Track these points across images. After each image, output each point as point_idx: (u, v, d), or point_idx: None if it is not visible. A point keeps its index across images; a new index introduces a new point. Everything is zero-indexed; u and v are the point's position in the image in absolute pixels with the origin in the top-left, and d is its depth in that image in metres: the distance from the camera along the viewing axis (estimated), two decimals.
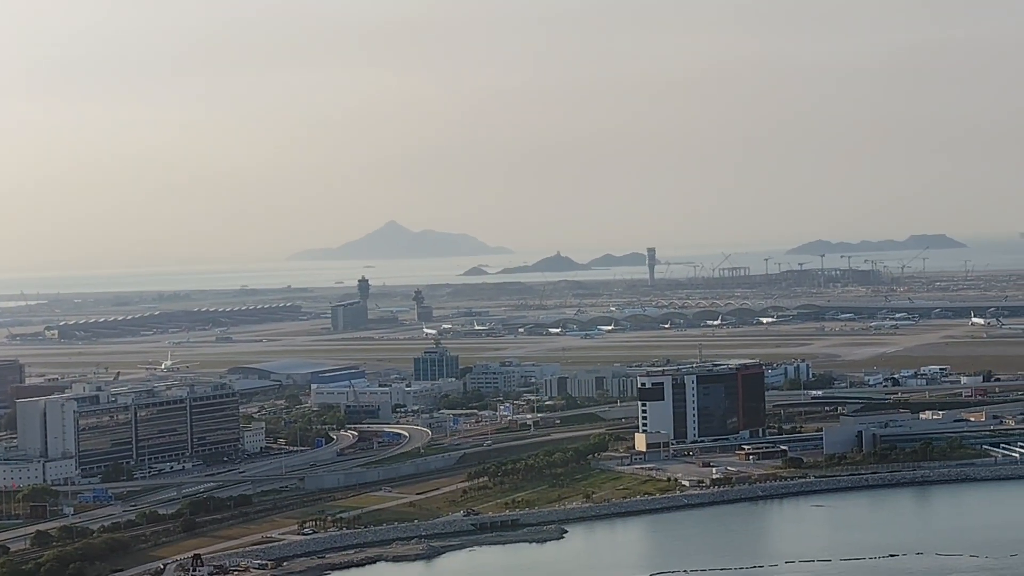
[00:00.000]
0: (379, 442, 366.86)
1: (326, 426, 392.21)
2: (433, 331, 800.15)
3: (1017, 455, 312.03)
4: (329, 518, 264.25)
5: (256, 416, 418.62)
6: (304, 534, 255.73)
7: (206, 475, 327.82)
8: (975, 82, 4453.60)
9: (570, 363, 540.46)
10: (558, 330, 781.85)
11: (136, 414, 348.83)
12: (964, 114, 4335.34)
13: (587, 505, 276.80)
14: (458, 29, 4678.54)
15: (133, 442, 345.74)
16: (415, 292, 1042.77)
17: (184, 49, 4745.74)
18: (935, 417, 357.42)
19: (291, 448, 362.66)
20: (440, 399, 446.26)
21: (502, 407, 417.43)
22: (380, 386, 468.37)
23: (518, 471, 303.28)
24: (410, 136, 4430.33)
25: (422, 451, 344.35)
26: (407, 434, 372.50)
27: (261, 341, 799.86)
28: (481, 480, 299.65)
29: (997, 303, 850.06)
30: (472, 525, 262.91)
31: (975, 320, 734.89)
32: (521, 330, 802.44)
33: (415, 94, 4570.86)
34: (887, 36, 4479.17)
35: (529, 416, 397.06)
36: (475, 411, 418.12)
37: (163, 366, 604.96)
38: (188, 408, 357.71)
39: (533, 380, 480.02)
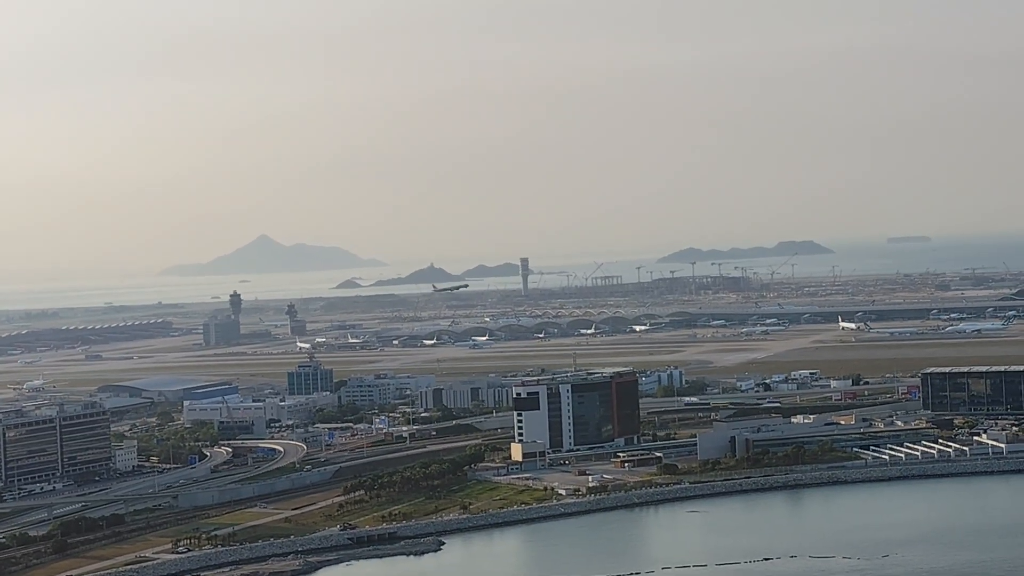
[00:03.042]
0: (253, 458, 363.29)
1: (199, 443, 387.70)
2: (307, 345, 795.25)
3: (887, 457, 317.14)
4: (204, 536, 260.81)
5: (128, 434, 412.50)
6: (178, 553, 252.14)
7: (77, 495, 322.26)
8: (842, 90, 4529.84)
9: (445, 374, 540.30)
10: (432, 341, 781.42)
11: (4, 435, 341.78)
12: (831, 121, 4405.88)
13: (464, 516, 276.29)
14: (330, 41, 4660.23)
15: (1, 463, 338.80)
16: (288, 306, 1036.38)
17: (46, 60, 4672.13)
18: (806, 421, 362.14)
19: (164, 466, 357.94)
20: (315, 413, 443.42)
21: (377, 420, 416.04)
22: (254, 401, 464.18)
23: (394, 484, 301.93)
24: (280, 149, 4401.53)
25: (297, 466, 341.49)
26: (282, 449, 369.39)
27: (132, 358, 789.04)
28: (357, 494, 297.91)
29: (864, 307, 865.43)
30: (349, 539, 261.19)
31: (843, 324, 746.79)
32: (395, 342, 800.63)
33: (284, 107, 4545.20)
34: (758, 45, 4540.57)
35: (405, 428, 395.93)
36: (350, 424, 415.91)
37: (29, 386, 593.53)
38: (58, 428, 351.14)
39: (408, 392, 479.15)
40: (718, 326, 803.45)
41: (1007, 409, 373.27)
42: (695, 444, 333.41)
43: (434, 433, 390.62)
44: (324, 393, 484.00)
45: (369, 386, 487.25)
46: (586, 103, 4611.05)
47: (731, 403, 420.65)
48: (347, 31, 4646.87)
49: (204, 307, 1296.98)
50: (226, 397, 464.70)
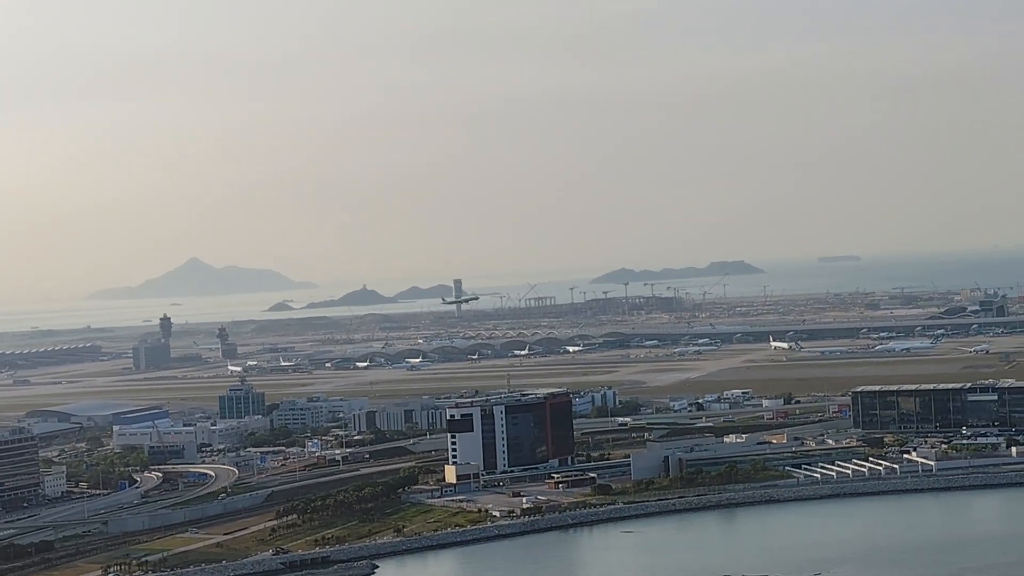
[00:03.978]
0: (184, 482, 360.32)
1: (129, 468, 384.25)
2: (238, 368, 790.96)
3: (818, 476, 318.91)
4: (134, 562, 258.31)
5: (56, 460, 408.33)
6: None
7: (5, 522, 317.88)
8: (774, 112, 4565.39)
9: (378, 397, 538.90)
10: (365, 364, 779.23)
11: None
12: (763, 143, 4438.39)
13: (398, 539, 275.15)
14: (261, 65, 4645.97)
15: None
16: (219, 329, 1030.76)
17: None
18: (739, 440, 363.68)
19: (93, 491, 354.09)
20: (246, 437, 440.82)
21: (310, 443, 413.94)
22: (184, 426, 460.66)
23: (327, 507, 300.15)
24: (210, 173, 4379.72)
25: (229, 490, 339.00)
26: (213, 474, 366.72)
27: (60, 383, 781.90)
28: (290, 518, 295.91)
29: (795, 327, 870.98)
30: (281, 564, 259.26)
31: (775, 344, 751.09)
32: (328, 365, 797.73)
33: (215, 131, 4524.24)
34: (688, 67, 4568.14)
35: (338, 451, 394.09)
36: (283, 448, 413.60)
37: None
38: None
39: (341, 415, 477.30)
40: (651, 346, 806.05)
41: (936, 427, 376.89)
42: (629, 464, 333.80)
43: (367, 456, 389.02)
44: (256, 417, 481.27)
45: (301, 409, 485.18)
46: (517, 125, 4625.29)
47: (664, 423, 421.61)
48: (279, 56, 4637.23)
49: (134, 331, 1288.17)
50: (156, 422, 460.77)
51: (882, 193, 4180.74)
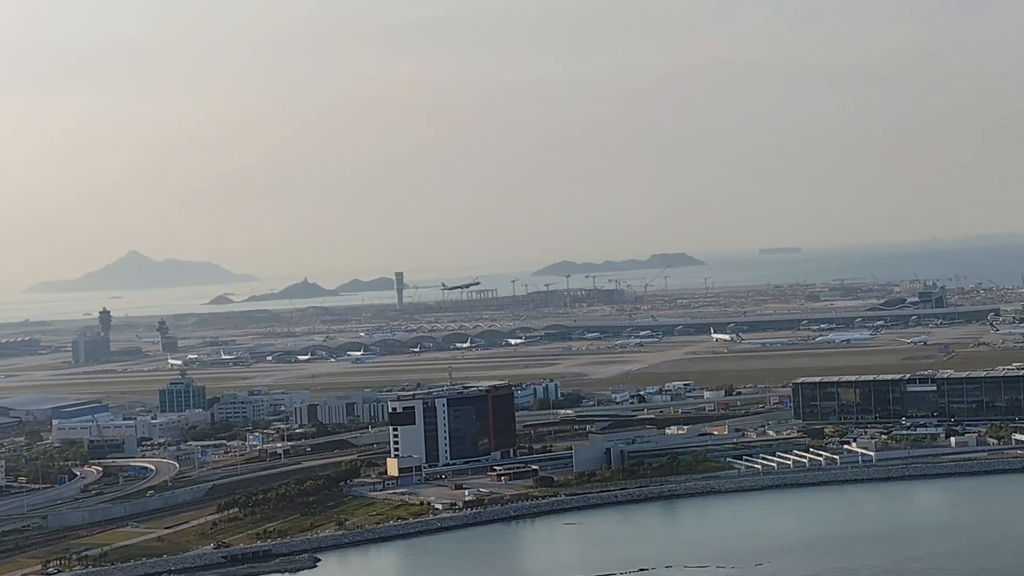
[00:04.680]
0: (125, 477, 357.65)
1: (69, 462, 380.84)
2: (178, 362, 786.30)
3: (759, 467, 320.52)
4: (74, 556, 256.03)
5: None
6: (48, 574, 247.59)
7: None
8: (711, 103, 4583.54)
9: (320, 390, 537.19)
10: (307, 357, 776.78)
11: None
12: (703, 135, 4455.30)
13: (340, 532, 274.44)
14: (197, 52, 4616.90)
15: None
16: (159, 323, 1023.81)
17: None
18: (680, 432, 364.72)
19: (33, 486, 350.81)
20: (187, 431, 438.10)
21: (251, 437, 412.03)
22: (124, 419, 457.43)
23: (269, 501, 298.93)
24: (150, 163, 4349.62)
25: (170, 484, 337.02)
26: (154, 467, 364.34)
27: None
28: (231, 512, 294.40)
29: (736, 319, 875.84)
30: (223, 558, 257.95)
31: (716, 336, 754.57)
32: (269, 358, 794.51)
33: (152, 119, 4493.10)
34: (628, 60, 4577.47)
35: (279, 445, 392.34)
36: (224, 442, 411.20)
37: None
38: None
39: (283, 408, 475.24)
40: (593, 339, 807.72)
41: (876, 418, 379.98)
42: (571, 456, 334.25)
43: (309, 449, 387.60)
44: (197, 410, 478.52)
45: (243, 402, 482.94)
46: (459, 118, 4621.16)
47: (606, 415, 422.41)
48: (218, 51, 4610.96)
49: (73, 324, 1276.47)
50: (96, 415, 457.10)
51: (823, 185, 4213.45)
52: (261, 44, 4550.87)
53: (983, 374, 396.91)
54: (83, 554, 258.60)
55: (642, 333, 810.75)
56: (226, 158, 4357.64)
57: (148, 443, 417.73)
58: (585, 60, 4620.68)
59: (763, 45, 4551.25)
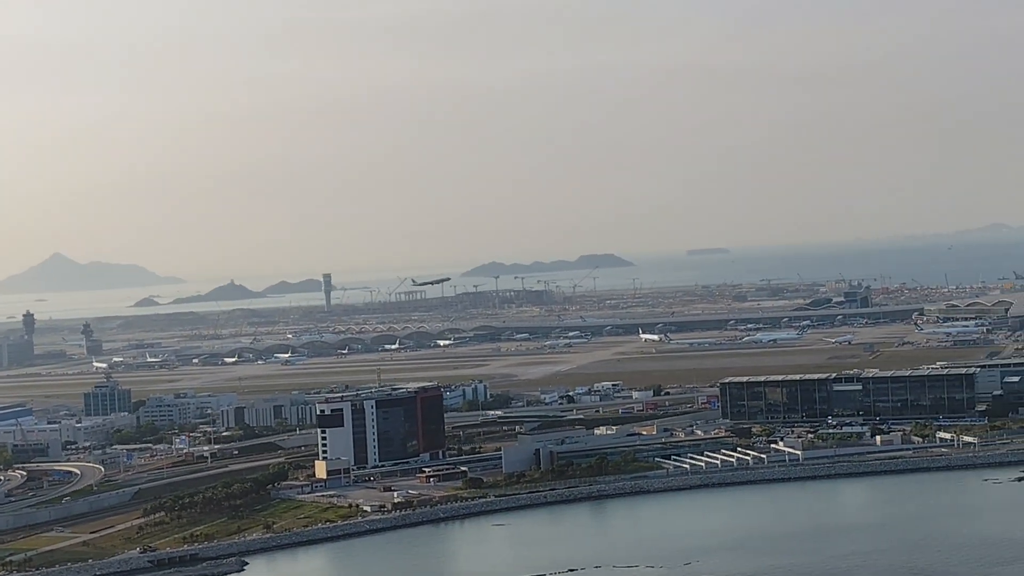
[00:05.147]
0: (49, 481, 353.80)
1: None
2: (103, 365, 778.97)
3: (687, 466, 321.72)
4: None
5: None
6: None
7: None
8: (639, 106, 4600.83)
9: (247, 392, 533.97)
10: (234, 359, 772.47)
11: None
12: (629, 137, 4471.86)
13: (268, 536, 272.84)
14: (120, 56, 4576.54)
15: None
16: (84, 325, 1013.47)
17: None
18: (609, 432, 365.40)
19: None
20: (113, 434, 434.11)
21: (178, 440, 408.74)
22: (49, 423, 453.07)
23: (196, 504, 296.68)
24: (74, 166, 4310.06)
25: (95, 488, 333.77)
26: (79, 472, 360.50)
27: None
28: (157, 515, 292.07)
29: (664, 319, 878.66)
30: (149, 562, 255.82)
31: (644, 336, 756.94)
32: (195, 361, 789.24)
33: (78, 123, 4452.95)
34: (560, 64, 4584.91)
35: (206, 448, 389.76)
36: (150, 445, 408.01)
37: None
38: None
39: (209, 411, 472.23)
40: (522, 339, 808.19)
41: (803, 417, 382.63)
42: (500, 458, 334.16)
43: (236, 452, 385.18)
44: (122, 413, 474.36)
45: (169, 405, 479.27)
46: (387, 118, 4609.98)
47: (535, 416, 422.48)
48: (142, 48, 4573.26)
49: None
50: (20, 419, 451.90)
51: (748, 186, 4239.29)
52: (186, 44, 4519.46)
53: (907, 373, 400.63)
54: (7, 559, 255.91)
55: (571, 334, 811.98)
56: (151, 159, 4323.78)
57: (73, 447, 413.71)
58: (515, 63, 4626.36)
59: (690, 48, 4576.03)
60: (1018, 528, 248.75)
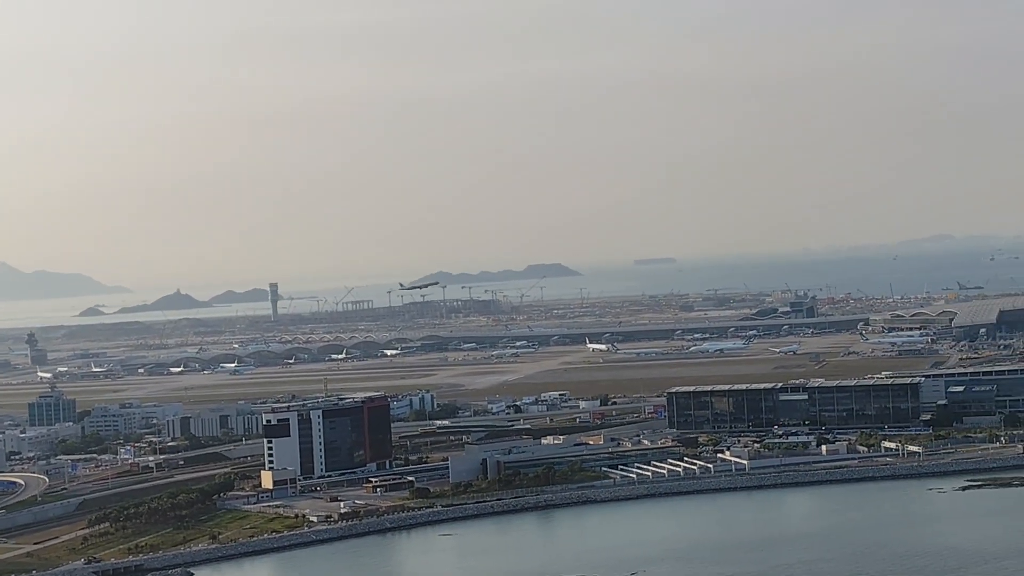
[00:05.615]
0: None
1: None
2: (48, 375, 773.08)
3: (634, 476, 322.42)
4: None
5: None
6: None
7: None
8: (585, 116, 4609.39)
9: (193, 402, 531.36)
10: (180, 369, 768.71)
11: None
12: (577, 146, 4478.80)
13: (214, 546, 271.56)
14: (73, 63, 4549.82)
15: None
16: (28, 335, 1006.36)
17: None
18: (556, 442, 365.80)
19: None
20: (57, 444, 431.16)
21: (123, 450, 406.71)
22: None
23: (141, 515, 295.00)
24: (18, 174, 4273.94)
25: (39, 499, 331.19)
26: (23, 482, 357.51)
27: None
28: (102, 526, 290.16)
29: (612, 329, 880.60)
30: (94, 573, 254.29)
31: (591, 346, 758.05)
32: (141, 370, 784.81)
33: (20, 131, 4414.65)
34: (504, 71, 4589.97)
35: (151, 458, 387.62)
36: (95, 455, 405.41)
37: None
38: None
39: (155, 421, 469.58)
40: (469, 349, 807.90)
41: (749, 426, 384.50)
42: (447, 467, 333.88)
43: (182, 463, 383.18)
44: (67, 424, 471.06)
45: (114, 416, 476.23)
46: (334, 128, 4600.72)
47: (482, 426, 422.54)
48: (90, 57, 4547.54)
49: None
50: None
51: (696, 196, 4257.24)
52: (136, 52, 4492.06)
53: (853, 383, 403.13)
54: None
55: (518, 343, 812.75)
56: (98, 169, 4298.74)
57: (17, 457, 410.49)
58: (462, 72, 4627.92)
59: (636, 58, 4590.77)
60: (962, 537, 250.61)
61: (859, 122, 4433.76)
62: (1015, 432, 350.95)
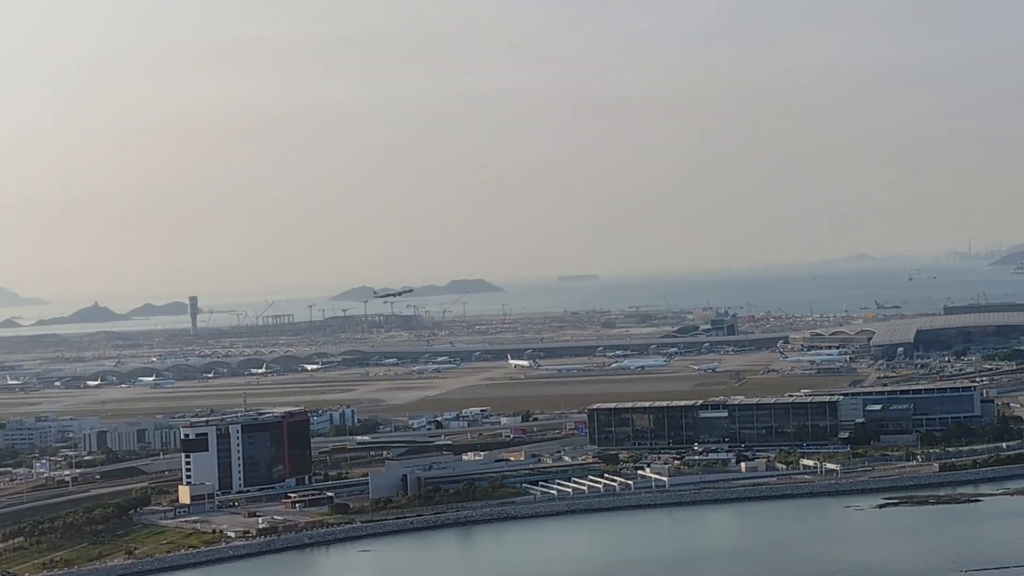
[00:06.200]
0: None
1: None
2: None
3: (555, 492, 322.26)
4: None
5: None
6: None
7: None
8: (513, 131, 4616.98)
9: (110, 416, 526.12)
10: (97, 382, 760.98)
11: None
12: (499, 162, 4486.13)
13: (129, 562, 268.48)
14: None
15: None
16: None
17: None
18: (477, 458, 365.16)
19: None
20: None
21: (38, 464, 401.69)
22: None
23: (56, 530, 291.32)
24: None
25: None
26: None
27: None
28: (16, 541, 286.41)
29: (534, 345, 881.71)
30: None
31: (513, 362, 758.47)
32: (57, 383, 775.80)
33: None
34: (424, 85, 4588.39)
35: (67, 472, 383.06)
36: (9, 469, 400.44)
37: None
38: None
39: (71, 435, 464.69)
40: (390, 364, 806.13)
41: (669, 443, 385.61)
42: (367, 483, 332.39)
43: (98, 477, 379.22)
44: None
45: (29, 429, 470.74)
46: (255, 140, 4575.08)
47: (403, 441, 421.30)
48: (11, 63, 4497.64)
49: None
50: None
51: (620, 213, 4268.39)
52: (54, 64, 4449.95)
53: (772, 401, 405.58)
54: None
55: (440, 359, 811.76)
56: (13, 179, 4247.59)
57: None
58: (383, 86, 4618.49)
59: (557, 73, 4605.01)
60: (878, 555, 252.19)
61: (781, 143, 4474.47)
62: (931, 451, 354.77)
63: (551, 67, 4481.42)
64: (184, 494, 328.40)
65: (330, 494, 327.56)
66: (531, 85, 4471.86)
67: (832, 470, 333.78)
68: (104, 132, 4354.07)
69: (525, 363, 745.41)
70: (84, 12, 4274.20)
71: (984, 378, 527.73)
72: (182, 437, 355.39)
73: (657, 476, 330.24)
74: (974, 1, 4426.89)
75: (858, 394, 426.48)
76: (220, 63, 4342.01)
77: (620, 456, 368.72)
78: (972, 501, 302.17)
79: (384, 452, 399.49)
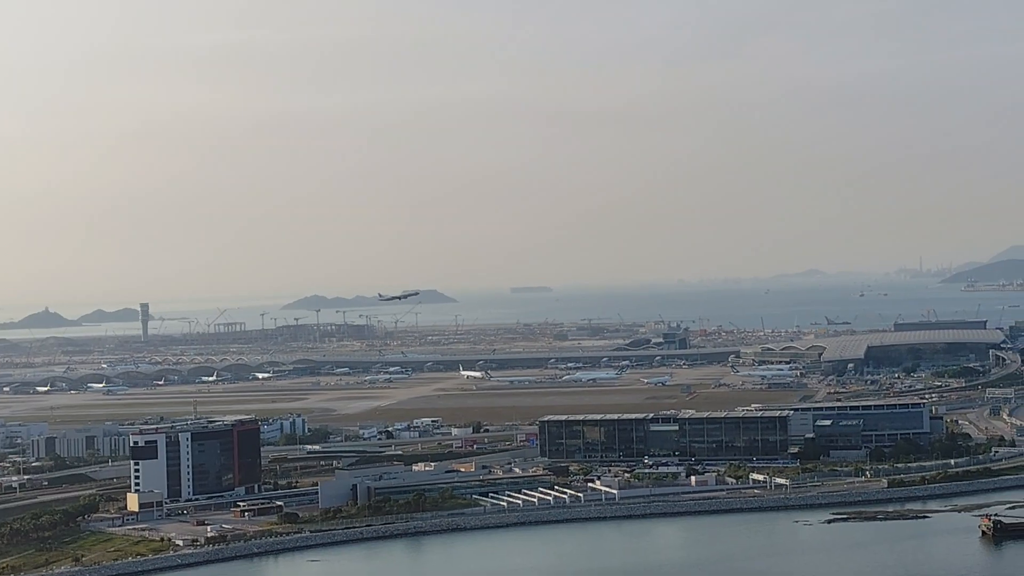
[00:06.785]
0: None
1: None
2: None
3: (505, 504, 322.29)
4: None
5: None
6: None
7: None
8: (465, 141, 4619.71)
9: (59, 422, 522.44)
10: (46, 388, 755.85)
11: None
12: (454, 172, 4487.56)
13: (76, 569, 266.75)
14: None
15: None
16: None
17: None
18: (427, 468, 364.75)
19: None
20: None
21: None
22: None
23: (2, 536, 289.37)
24: None
25: None
26: None
27: None
28: None
29: (486, 356, 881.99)
30: None
31: (465, 373, 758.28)
32: (6, 389, 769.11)
33: None
34: (381, 95, 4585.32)
35: (15, 478, 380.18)
36: None
37: None
38: None
39: (19, 441, 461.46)
40: (342, 374, 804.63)
41: (620, 456, 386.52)
42: (317, 492, 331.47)
43: (46, 483, 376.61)
44: None
45: None
46: (207, 148, 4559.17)
47: (353, 451, 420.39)
48: None
49: None
50: None
51: (574, 226, 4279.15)
52: (21, 71, 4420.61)
53: (723, 415, 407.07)
54: None
55: (392, 369, 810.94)
56: None
57: None
58: (336, 95, 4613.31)
59: (509, 86, 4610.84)
60: (826, 570, 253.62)
61: (733, 158, 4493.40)
62: (880, 466, 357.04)
63: (508, 79, 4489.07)
64: (133, 501, 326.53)
65: (279, 503, 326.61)
66: (475, 96, 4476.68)
67: (781, 485, 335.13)
68: (56, 141, 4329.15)
69: (477, 374, 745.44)
70: (71, 17, 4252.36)
71: (933, 395, 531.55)
72: (131, 444, 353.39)
73: (607, 489, 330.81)
74: (928, 23, 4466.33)
75: (808, 409, 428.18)
76: (162, 70, 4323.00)
77: (571, 468, 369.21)
78: (920, 517, 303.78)
79: (334, 461, 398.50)
